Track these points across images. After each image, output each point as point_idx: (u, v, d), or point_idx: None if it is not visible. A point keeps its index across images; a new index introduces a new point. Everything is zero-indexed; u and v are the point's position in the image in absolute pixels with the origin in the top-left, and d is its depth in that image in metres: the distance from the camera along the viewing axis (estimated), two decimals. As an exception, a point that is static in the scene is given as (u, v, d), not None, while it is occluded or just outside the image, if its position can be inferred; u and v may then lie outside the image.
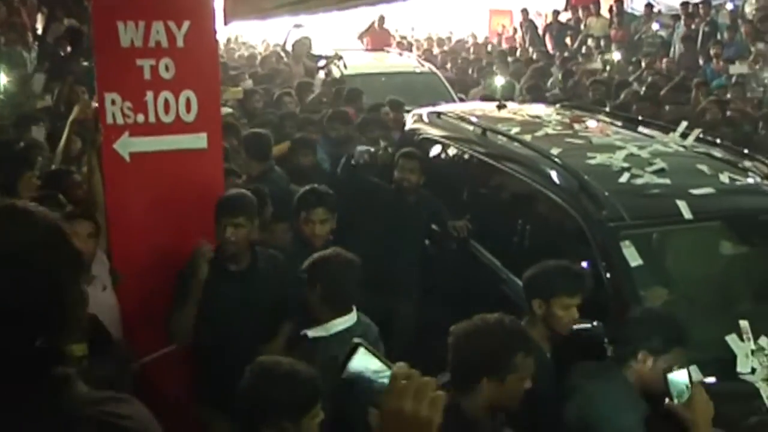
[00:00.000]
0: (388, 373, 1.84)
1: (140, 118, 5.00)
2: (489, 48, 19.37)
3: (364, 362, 1.87)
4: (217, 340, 4.66)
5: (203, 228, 4.89)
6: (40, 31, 14.74)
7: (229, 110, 9.05)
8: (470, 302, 4.74)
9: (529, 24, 19.67)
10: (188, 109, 5.05)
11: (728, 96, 10.87)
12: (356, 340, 1.90)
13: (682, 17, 15.65)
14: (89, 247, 4.85)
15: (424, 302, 6.47)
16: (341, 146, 8.27)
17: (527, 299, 4.44)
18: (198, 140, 5.13)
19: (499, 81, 13.22)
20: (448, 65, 16.73)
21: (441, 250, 6.68)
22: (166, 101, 5.01)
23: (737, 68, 12.03)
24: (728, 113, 9.63)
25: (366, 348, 1.88)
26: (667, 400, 3.44)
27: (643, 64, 13.91)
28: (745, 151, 6.15)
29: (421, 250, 6.71)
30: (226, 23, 5.02)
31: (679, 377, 3.44)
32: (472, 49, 19.59)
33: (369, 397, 1.88)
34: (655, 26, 16.55)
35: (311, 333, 4.16)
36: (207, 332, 4.70)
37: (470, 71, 15.67)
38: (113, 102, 4.95)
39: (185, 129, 5.09)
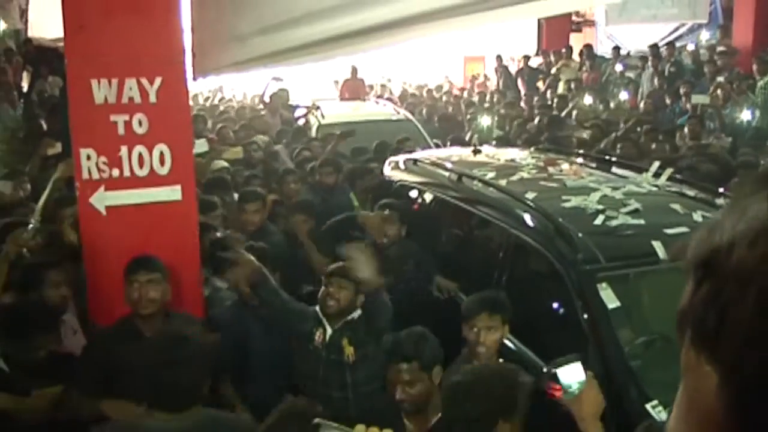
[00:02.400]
0: None
1: (115, 172, 5.06)
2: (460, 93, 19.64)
3: None
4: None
5: (179, 277, 4.96)
6: (25, 89, 14.87)
7: (224, 163, 9.07)
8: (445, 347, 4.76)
9: (503, 69, 19.88)
10: (162, 163, 5.11)
11: (685, 131, 11.05)
12: (317, 420, 2.03)
13: (650, 58, 15.92)
14: (61, 294, 4.91)
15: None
16: (331, 194, 8.36)
17: None
18: (172, 192, 5.18)
19: (485, 121, 13.28)
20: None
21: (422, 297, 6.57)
22: (140, 155, 5.06)
23: (699, 98, 12.29)
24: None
25: (326, 426, 2.01)
26: (560, 393, 3.47)
27: (611, 105, 14.10)
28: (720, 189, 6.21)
29: (407, 300, 6.16)
30: (194, 78, 5.06)
31: (569, 371, 3.46)
32: (439, 95, 19.78)
33: None
34: (618, 67, 16.79)
35: None
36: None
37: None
38: (88, 157, 5.01)
39: (160, 182, 5.14)
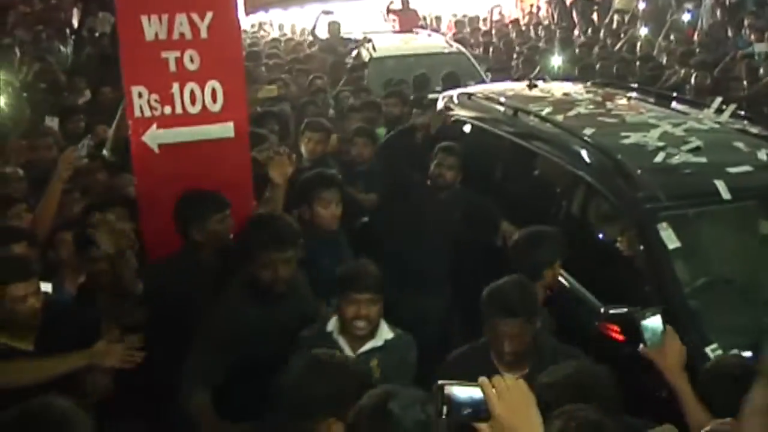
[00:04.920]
0: (478, 389, 2.12)
1: (167, 109, 5.03)
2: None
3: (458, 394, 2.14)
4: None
5: (233, 214, 4.88)
6: (76, 26, 14.93)
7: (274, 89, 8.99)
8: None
9: (558, 1, 19.42)
10: (214, 99, 5.06)
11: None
12: (440, 382, 2.13)
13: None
14: (126, 229, 4.95)
15: (458, 299, 6.03)
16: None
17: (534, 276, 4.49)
18: (225, 129, 5.14)
19: (556, 61, 12.89)
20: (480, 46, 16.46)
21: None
22: (192, 92, 5.02)
23: (762, 47, 11.80)
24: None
25: (450, 384, 2.14)
26: (641, 345, 3.49)
27: (672, 38, 13.69)
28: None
29: (453, 247, 6.02)
30: (246, 14, 5.00)
31: (652, 323, 3.47)
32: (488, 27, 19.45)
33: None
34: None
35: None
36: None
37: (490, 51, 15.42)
38: (140, 95, 4.99)
39: (212, 119, 5.11)
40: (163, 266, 4.86)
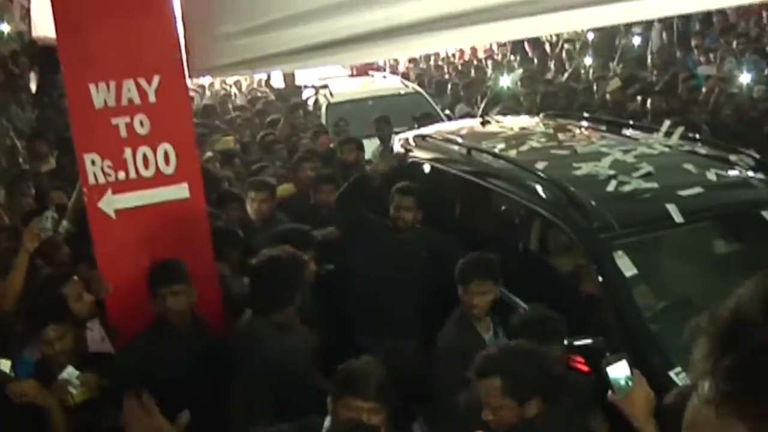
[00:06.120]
0: None
1: (121, 175, 5.03)
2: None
3: None
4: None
5: (193, 274, 4.88)
6: (33, 90, 14.91)
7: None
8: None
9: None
10: (167, 162, 5.07)
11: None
12: None
13: (658, 13, 15.51)
14: (84, 303, 4.96)
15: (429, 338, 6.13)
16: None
17: None
18: (180, 191, 5.15)
19: (504, 81, 13.08)
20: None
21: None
22: (145, 156, 5.03)
23: (705, 69, 12.04)
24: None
25: None
26: (609, 393, 3.34)
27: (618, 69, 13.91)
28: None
29: (422, 288, 6.02)
30: (190, 77, 5.01)
31: (618, 370, 3.33)
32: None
33: None
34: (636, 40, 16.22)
35: None
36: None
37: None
38: (93, 162, 4.98)
39: (166, 181, 5.11)
40: (136, 346, 4.80)
